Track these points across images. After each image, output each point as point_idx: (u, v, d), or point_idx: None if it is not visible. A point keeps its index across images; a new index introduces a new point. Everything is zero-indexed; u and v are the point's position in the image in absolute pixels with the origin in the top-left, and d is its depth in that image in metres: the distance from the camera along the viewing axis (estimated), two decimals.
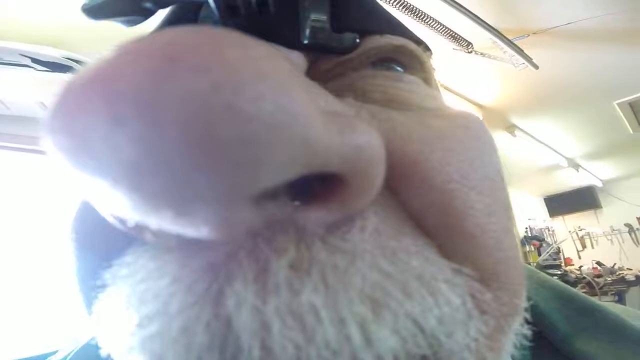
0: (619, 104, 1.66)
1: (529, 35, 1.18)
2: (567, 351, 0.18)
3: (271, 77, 0.07)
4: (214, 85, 0.06)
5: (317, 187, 0.09)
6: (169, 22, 0.15)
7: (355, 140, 0.08)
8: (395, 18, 0.16)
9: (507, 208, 0.13)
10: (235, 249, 0.09)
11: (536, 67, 1.27)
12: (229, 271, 0.08)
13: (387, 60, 0.15)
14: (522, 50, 1.20)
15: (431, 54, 0.18)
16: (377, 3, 0.16)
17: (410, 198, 0.11)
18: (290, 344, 0.08)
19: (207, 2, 0.13)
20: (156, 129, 0.06)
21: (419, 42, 0.16)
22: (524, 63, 1.24)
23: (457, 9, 1.00)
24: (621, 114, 1.74)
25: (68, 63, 0.89)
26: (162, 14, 0.15)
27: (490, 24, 1.10)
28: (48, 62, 0.87)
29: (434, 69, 0.17)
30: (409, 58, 0.15)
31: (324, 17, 0.13)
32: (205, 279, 0.08)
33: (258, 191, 0.07)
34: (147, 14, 0.14)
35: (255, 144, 0.06)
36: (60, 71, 0.89)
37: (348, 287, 0.08)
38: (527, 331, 0.13)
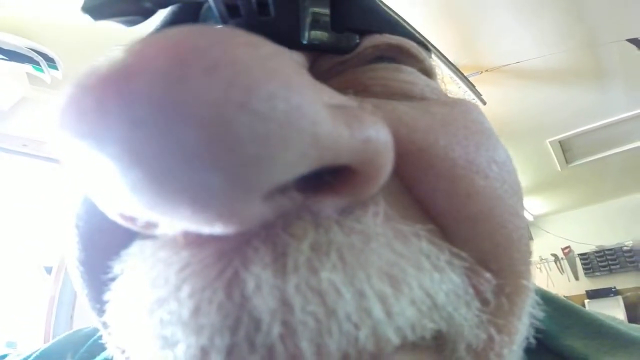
0: (550, 142, 1.75)
1: (482, 72, 1.27)
2: (554, 347, 0.19)
3: (281, 76, 0.07)
4: (227, 85, 0.06)
5: (327, 176, 0.09)
6: (168, 22, 0.15)
7: (363, 132, 0.09)
8: (394, 18, 0.16)
9: (515, 191, 0.13)
10: (248, 237, 0.09)
11: (484, 102, 1.35)
12: (244, 257, 0.09)
13: (385, 58, 0.15)
14: (474, 86, 1.29)
15: (431, 53, 0.18)
16: (377, 3, 0.16)
17: (417, 184, 0.11)
18: (311, 320, 0.08)
19: (207, 3, 0.13)
20: (173, 130, 0.06)
21: (419, 41, 0.16)
22: (474, 99, 1.33)
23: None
24: (552, 151, 1.82)
25: (29, 54, 0.84)
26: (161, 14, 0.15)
27: (450, 59, 1.17)
28: (8, 51, 0.82)
29: (435, 66, 0.18)
30: (406, 56, 0.15)
31: (324, 17, 0.13)
32: (217, 265, 0.09)
33: (271, 188, 0.07)
34: (147, 14, 0.14)
35: (269, 142, 0.07)
36: (18, 61, 0.84)
37: (366, 264, 0.09)
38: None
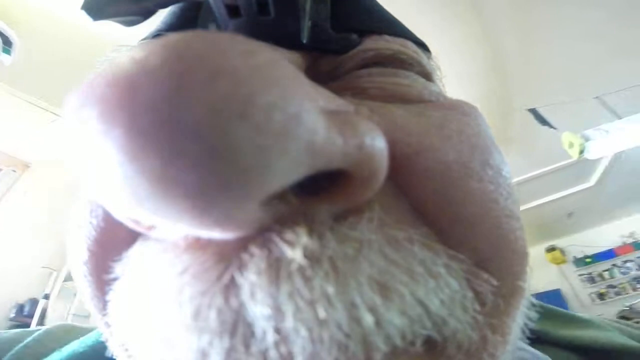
0: None
1: None
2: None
3: (279, 85, 0.07)
4: (226, 95, 0.06)
5: (322, 181, 0.09)
6: (168, 23, 0.15)
7: (357, 139, 0.09)
8: (394, 18, 0.16)
9: (510, 193, 0.12)
10: (245, 242, 0.09)
11: None
12: (240, 262, 0.09)
13: (384, 62, 0.15)
14: None
15: (431, 54, 0.18)
16: (377, 3, 0.16)
17: (412, 188, 0.11)
18: (303, 328, 0.08)
19: (207, 3, 0.13)
20: (173, 140, 0.06)
21: (418, 42, 0.16)
22: None
23: None
24: None
25: None
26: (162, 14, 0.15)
27: None
28: None
29: (437, 68, 0.18)
30: (407, 62, 0.15)
31: (324, 18, 0.13)
32: (215, 269, 0.09)
33: (268, 194, 0.07)
34: (147, 14, 0.14)
35: (267, 151, 0.07)
36: None
37: (357, 273, 0.09)
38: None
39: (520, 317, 0.13)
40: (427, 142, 0.12)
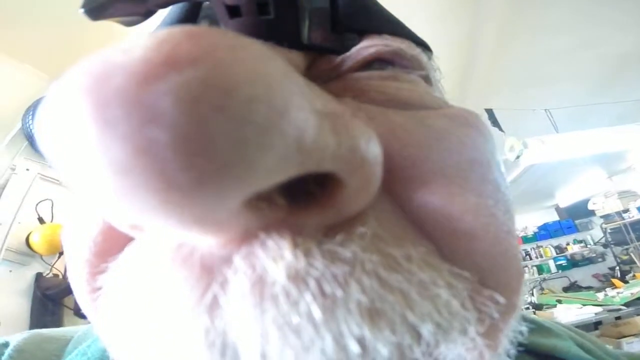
0: None
1: None
2: None
3: (265, 79, 0.07)
4: (204, 86, 0.06)
5: (313, 188, 0.09)
6: (168, 23, 0.15)
7: (350, 141, 0.08)
8: (394, 17, 0.16)
9: (507, 209, 0.12)
10: (230, 252, 0.08)
11: None
12: (223, 279, 0.08)
13: (386, 61, 0.14)
14: None
15: (432, 53, 0.17)
16: (377, 3, 0.16)
17: (410, 201, 0.11)
18: (289, 353, 0.08)
19: (207, 3, 0.13)
20: (146, 130, 0.06)
21: (418, 42, 0.16)
22: None
23: None
24: None
25: None
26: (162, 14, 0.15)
27: None
28: None
29: (436, 69, 0.17)
30: (408, 61, 0.15)
31: (324, 18, 0.13)
32: (198, 287, 0.08)
33: (250, 193, 0.07)
34: (147, 14, 0.14)
35: (247, 146, 0.06)
36: None
37: (347, 300, 0.08)
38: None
39: (510, 331, 0.12)
40: (425, 154, 0.11)
